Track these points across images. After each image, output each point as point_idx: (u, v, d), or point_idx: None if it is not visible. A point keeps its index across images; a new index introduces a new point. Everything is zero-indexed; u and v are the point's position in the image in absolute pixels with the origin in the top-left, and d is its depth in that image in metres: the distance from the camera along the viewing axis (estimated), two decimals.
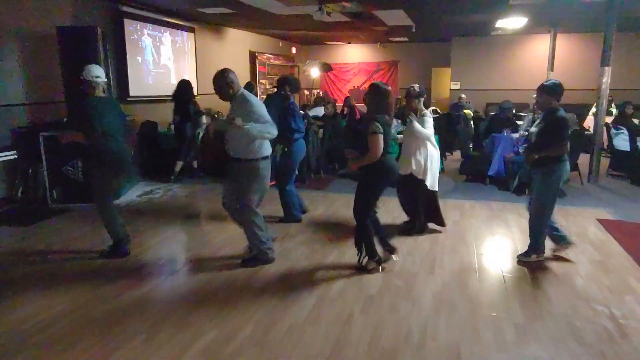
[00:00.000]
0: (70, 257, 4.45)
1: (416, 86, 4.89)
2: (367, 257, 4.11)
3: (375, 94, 3.86)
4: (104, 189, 4.34)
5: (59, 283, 3.90)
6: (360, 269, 4.11)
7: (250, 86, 7.01)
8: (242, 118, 3.79)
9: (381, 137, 3.75)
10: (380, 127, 3.74)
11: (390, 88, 3.94)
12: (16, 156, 5.45)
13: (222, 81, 3.97)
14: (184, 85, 7.60)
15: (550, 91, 4.08)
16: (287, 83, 5.40)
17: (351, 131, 3.90)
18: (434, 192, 4.98)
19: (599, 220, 5.62)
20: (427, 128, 4.77)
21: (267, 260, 4.24)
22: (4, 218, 5.65)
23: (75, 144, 4.17)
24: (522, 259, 4.34)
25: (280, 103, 5.49)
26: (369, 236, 4.07)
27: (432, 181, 4.90)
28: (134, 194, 6.87)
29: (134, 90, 8.49)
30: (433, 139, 4.89)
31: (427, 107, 5.20)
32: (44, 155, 6.05)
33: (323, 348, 2.96)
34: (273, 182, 6.95)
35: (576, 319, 3.32)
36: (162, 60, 9.41)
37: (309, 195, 6.76)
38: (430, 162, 4.84)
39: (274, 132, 3.93)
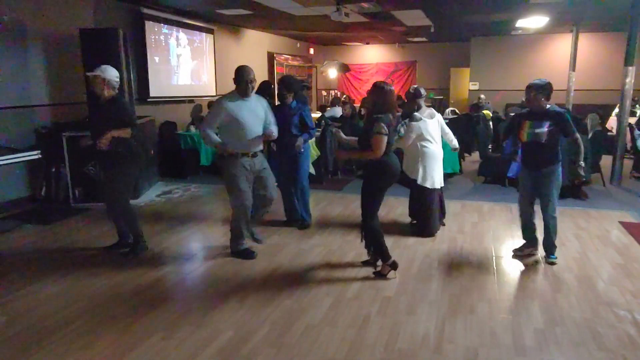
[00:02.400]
0: (90, 256, 4.53)
1: (411, 88, 5.07)
2: (380, 261, 4.07)
3: (378, 93, 3.82)
4: (127, 186, 4.48)
5: (79, 281, 3.97)
6: (376, 274, 4.05)
7: (267, 85, 6.88)
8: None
9: (385, 137, 3.73)
10: (385, 127, 3.72)
11: (392, 88, 3.89)
12: (39, 156, 5.56)
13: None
14: (265, 86, 7.67)
15: (538, 89, 4.07)
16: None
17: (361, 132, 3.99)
18: (432, 190, 4.96)
19: (622, 223, 5.51)
20: (407, 133, 4.85)
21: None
22: (27, 216, 5.77)
23: (93, 146, 4.29)
24: (553, 261, 4.36)
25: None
26: (377, 238, 3.99)
27: (423, 179, 4.87)
28: (153, 193, 6.96)
29: (154, 91, 8.59)
30: (426, 138, 4.88)
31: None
32: (67, 155, 6.17)
33: (339, 350, 2.95)
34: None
35: (598, 324, 3.26)
36: (182, 61, 9.51)
37: (326, 195, 6.76)
38: (422, 160, 4.85)
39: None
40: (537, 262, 4.38)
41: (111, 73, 4.32)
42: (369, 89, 3.94)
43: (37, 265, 4.32)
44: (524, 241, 4.55)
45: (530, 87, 4.11)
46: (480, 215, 5.85)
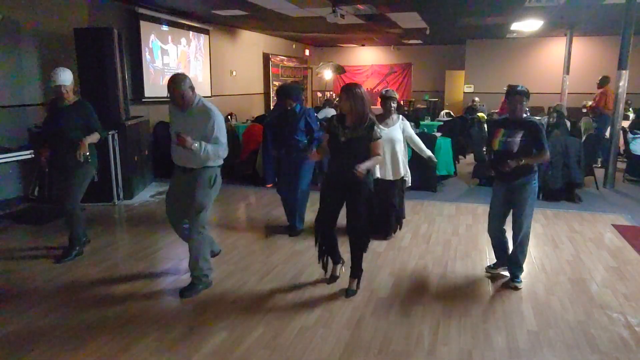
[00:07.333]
0: (82, 257, 4.49)
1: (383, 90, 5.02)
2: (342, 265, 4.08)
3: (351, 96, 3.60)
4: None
5: (71, 281, 3.94)
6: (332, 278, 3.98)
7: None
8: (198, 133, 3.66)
9: (325, 135, 3.73)
10: (325, 126, 3.75)
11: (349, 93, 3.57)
12: (32, 155, 5.52)
13: (184, 86, 3.72)
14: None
15: (525, 95, 3.69)
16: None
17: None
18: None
19: (615, 226, 5.53)
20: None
21: (207, 284, 3.80)
22: (20, 216, 5.74)
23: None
24: (517, 285, 3.90)
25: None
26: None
27: (407, 175, 4.99)
28: (147, 194, 6.92)
29: (148, 92, 8.56)
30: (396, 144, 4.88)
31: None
32: None
33: (333, 352, 2.94)
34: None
35: (591, 327, 3.27)
36: (177, 62, 9.48)
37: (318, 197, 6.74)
38: (400, 158, 4.87)
39: (222, 156, 3.75)
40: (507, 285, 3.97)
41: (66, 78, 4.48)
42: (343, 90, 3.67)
43: (29, 266, 4.28)
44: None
45: (519, 93, 3.68)
46: (475, 217, 5.86)
